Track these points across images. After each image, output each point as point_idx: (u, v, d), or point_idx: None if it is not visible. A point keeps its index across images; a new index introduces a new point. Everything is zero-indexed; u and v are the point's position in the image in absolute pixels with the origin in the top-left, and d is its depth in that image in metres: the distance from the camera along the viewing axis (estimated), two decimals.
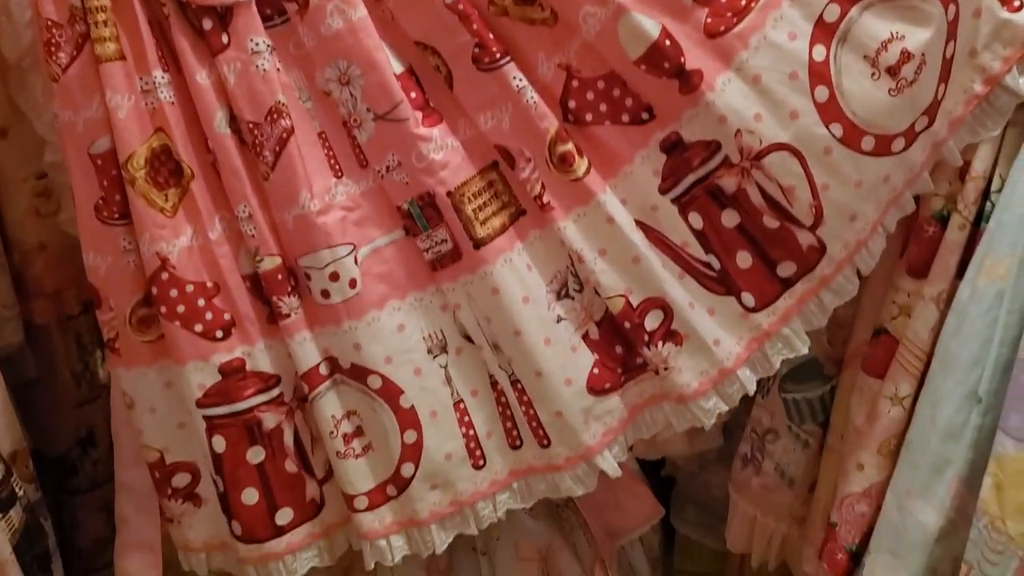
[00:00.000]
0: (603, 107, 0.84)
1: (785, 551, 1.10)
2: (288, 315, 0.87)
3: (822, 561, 0.96)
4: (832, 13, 0.79)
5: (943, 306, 0.87)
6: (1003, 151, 0.86)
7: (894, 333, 0.92)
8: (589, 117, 0.85)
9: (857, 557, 0.93)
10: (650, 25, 0.79)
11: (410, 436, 0.88)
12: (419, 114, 0.83)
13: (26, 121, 0.93)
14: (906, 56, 0.79)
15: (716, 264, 0.86)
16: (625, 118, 0.84)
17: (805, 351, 0.90)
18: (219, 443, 0.88)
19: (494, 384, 0.91)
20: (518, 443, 0.92)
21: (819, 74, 0.80)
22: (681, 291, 0.87)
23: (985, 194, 0.86)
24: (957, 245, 0.87)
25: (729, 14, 0.79)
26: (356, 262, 0.86)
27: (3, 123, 0.98)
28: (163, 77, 0.83)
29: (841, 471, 0.96)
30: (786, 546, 1.09)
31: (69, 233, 0.95)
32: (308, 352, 0.87)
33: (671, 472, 1.28)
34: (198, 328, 0.86)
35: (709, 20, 0.79)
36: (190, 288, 0.86)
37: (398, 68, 0.84)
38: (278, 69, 0.83)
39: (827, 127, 0.81)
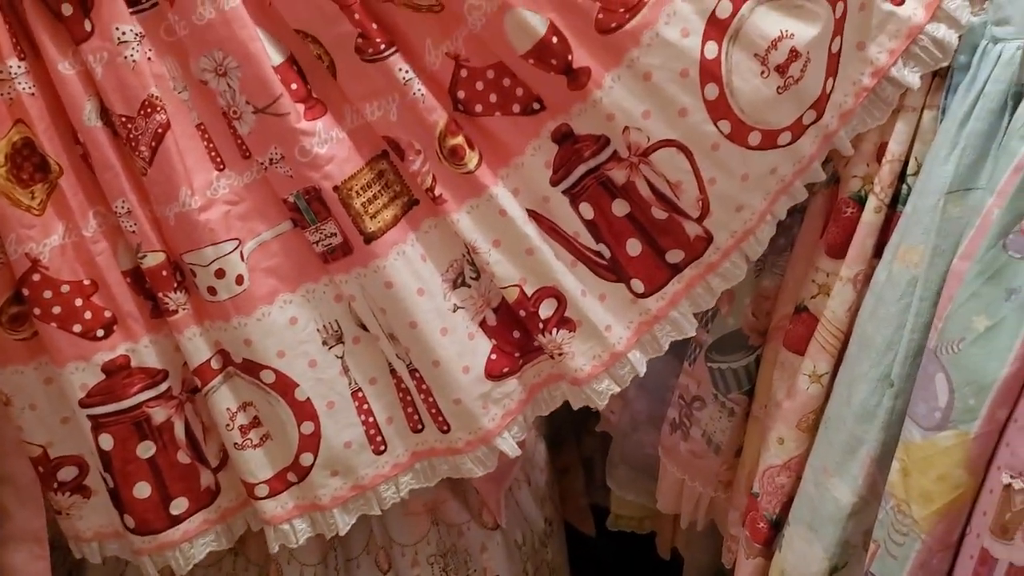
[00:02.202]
0: (493, 97, 0.82)
1: (712, 512, 1.13)
2: (176, 311, 0.84)
3: (744, 528, 0.98)
4: (724, 9, 0.78)
5: (860, 287, 0.88)
6: (919, 134, 0.85)
7: (814, 311, 0.92)
8: (479, 108, 0.83)
9: (778, 525, 0.94)
10: (537, 21, 0.77)
11: (307, 427, 0.88)
12: (301, 107, 0.80)
13: None
14: (794, 54, 0.80)
15: (607, 253, 0.87)
16: (516, 108, 0.83)
17: (693, 333, 0.92)
18: (106, 441, 0.86)
19: (393, 372, 0.91)
20: (420, 427, 0.92)
21: (710, 72, 0.79)
22: (573, 280, 0.87)
23: (901, 176, 0.86)
24: (874, 227, 0.87)
25: (622, 9, 0.77)
26: (242, 258, 0.83)
27: None
28: (20, 66, 0.77)
29: (763, 443, 0.97)
30: (713, 508, 1.12)
31: None
32: (198, 347, 0.86)
33: (605, 430, 1.28)
34: (76, 328, 0.83)
35: (601, 16, 0.77)
36: (66, 288, 0.82)
37: (277, 58, 0.80)
38: (149, 58, 0.78)
39: (715, 124, 0.81)
